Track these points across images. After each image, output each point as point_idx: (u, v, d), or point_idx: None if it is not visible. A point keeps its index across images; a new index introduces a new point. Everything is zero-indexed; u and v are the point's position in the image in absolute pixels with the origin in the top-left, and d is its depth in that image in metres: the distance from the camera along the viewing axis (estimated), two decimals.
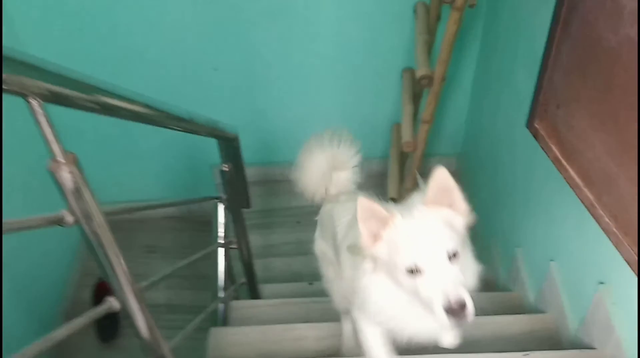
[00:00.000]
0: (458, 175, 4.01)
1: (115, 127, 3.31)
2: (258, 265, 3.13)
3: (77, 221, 1.05)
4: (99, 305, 1.22)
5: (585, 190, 1.38)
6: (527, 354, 1.62)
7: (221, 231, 2.45)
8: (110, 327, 3.40)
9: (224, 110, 2.71)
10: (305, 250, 3.69)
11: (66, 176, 0.98)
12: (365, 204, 1.20)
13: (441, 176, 1.21)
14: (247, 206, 2.54)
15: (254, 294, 2.80)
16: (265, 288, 3.01)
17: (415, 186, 3.38)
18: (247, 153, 2.58)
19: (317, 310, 2.48)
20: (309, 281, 3.12)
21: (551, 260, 2.12)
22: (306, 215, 2.81)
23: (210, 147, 2.25)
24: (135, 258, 4.04)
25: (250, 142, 2.89)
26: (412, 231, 1.19)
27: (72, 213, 1.03)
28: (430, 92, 2.80)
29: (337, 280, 1.81)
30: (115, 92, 1.22)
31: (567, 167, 1.48)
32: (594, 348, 1.75)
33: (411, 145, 3.00)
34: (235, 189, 2.35)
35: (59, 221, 1.02)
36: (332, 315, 2.30)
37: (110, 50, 3.09)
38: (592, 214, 1.40)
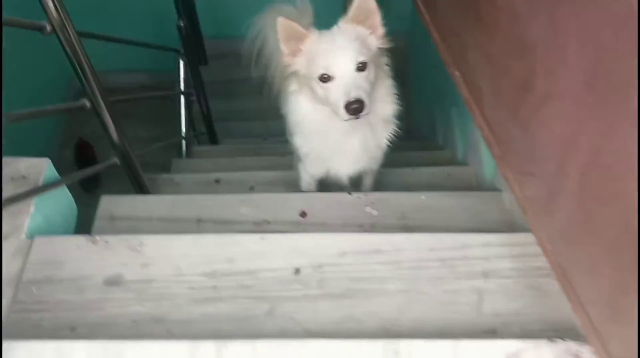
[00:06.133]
0: (406, 51, 4.39)
1: None
2: (220, 127, 3.55)
3: (54, 30, 1.44)
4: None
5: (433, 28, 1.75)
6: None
7: (182, 82, 2.84)
8: (92, 180, 3.85)
9: None
10: (263, 115, 4.13)
11: None
12: (285, 23, 1.38)
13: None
14: (204, 63, 2.93)
15: (214, 142, 3.25)
16: (224, 141, 3.47)
17: None
18: (210, 27, 2.86)
19: (266, 149, 2.93)
20: (263, 137, 3.56)
21: (452, 106, 2.57)
22: (267, 86, 3.08)
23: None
24: None
25: (212, 16, 3.16)
26: (325, 44, 1.37)
27: (50, 23, 1.42)
28: None
29: None
30: None
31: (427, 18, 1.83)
32: (468, 165, 2.25)
33: None
34: (192, 45, 2.72)
35: (41, 29, 1.41)
36: (277, 153, 2.75)
37: None
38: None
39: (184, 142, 2.82)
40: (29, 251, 1.38)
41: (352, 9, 1.38)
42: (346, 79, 1.34)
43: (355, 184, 1.95)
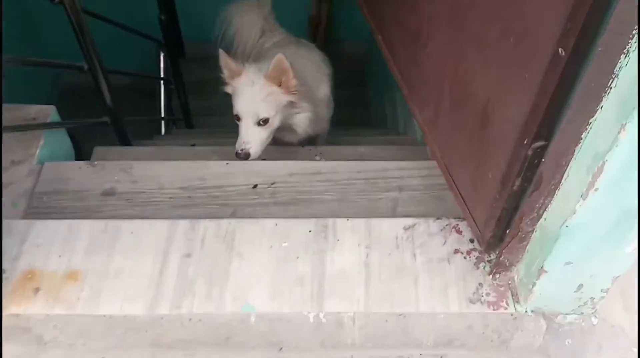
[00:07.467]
0: (366, 57, 4.83)
1: None
2: (198, 121, 3.92)
3: (61, 2, 1.81)
4: None
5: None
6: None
7: (162, 71, 3.21)
8: None
9: None
10: None
11: None
12: (225, 58, 1.83)
13: (279, 61, 1.75)
14: (182, 55, 3.31)
15: (190, 127, 3.62)
16: (199, 127, 3.84)
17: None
18: (189, 31, 3.25)
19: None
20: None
21: (396, 91, 2.99)
22: None
23: None
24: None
25: (191, 21, 3.55)
26: (241, 95, 1.81)
27: None
28: None
29: None
30: None
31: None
32: (407, 134, 2.67)
33: (315, 18, 3.78)
34: (171, 38, 3.10)
35: None
36: None
37: None
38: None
39: (162, 123, 3.19)
40: (40, 172, 1.73)
41: (270, 69, 1.76)
42: (244, 129, 1.84)
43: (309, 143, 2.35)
